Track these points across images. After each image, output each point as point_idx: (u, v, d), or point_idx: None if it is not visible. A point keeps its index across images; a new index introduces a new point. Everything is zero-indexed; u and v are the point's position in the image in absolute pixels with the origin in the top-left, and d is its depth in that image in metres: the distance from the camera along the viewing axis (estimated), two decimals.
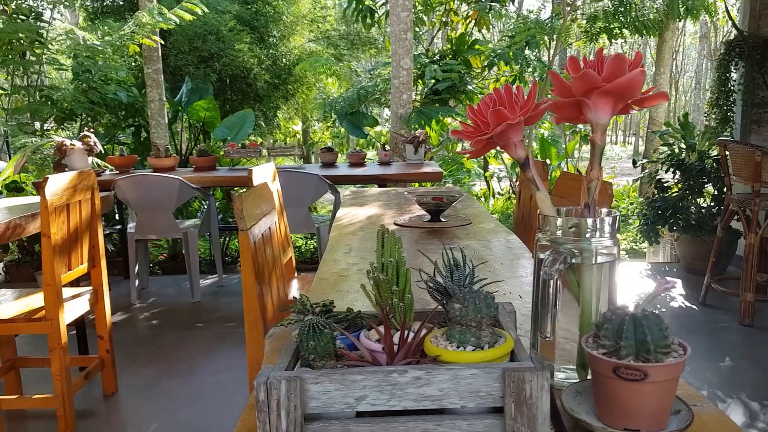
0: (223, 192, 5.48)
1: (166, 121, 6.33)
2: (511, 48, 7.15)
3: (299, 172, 3.83)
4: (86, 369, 2.51)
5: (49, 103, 6.27)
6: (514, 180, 9.98)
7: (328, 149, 4.48)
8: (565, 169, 9.79)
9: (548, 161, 10.02)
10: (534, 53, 7.67)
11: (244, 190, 4.97)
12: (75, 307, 2.42)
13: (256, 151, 4.39)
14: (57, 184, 2.21)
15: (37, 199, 3.10)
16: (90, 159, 4.44)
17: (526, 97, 0.81)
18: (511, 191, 10.24)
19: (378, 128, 10.13)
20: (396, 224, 2.07)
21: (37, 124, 6.18)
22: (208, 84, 7.78)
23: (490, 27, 8.64)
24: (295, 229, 4.17)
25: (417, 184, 5.25)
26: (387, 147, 4.64)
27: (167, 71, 7.67)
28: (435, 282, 0.74)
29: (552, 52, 8.11)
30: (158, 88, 6.09)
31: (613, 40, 7.30)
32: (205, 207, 4.36)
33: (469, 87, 7.31)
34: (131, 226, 4.01)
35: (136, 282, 4.02)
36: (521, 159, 0.84)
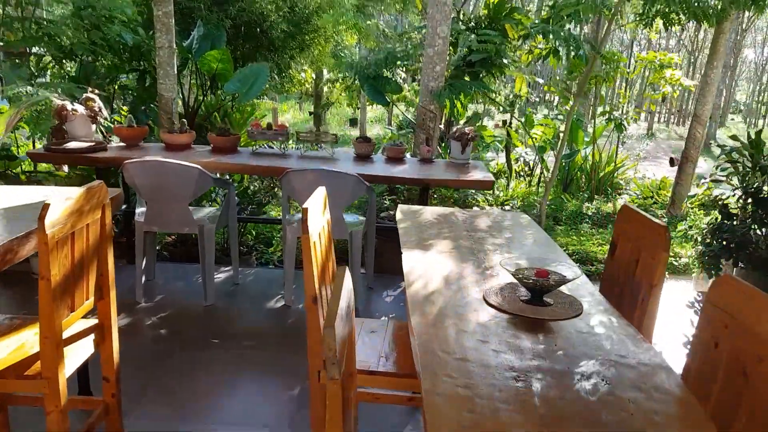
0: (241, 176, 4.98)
1: (175, 71, 5.76)
2: (553, 19, 6.51)
3: (334, 171, 3.36)
4: (88, 419, 2.11)
5: (46, 38, 5.67)
6: (539, 164, 9.48)
7: (365, 139, 3.99)
8: (588, 153, 9.27)
9: (574, 146, 9.52)
10: (574, 28, 7.05)
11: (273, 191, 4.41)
12: (77, 352, 2.00)
13: (283, 134, 3.90)
14: (59, 210, 1.74)
15: (35, 190, 2.63)
16: (93, 126, 3.95)
17: None
18: (529, 171, 9.75)
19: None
20: (487, 302, 1.64)
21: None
22: (221, 30, 7.16)
23: None
24: None
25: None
26: (430, 142, 4.15)
27: (177, 12, 7.02)
28: None
29: (603, 30, 7.49)
30: (168, 34, 5.48)
31: (669, 27, 6.68)
32: (223, 196, 3.90)
33: (504, 60, 6.72)
34: (139, 213, 3.55)
35: (143, 278, 3.59)
36: None
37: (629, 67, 11.46)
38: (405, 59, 7.16)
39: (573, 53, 6.56)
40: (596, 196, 8.62)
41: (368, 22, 10.12)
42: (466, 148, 3.92)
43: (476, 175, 3.68)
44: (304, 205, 1.82)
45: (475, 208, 6.49)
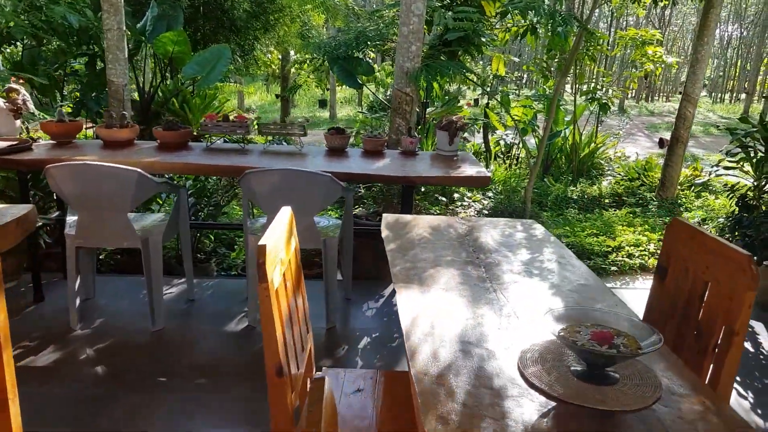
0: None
1: (126, 56, 5.16)
2: None
3: (303, 172, 2.82)
4: None
5: None
6: (519, 146, 9.04)
7: (338, 130, 3.44)
8: (567, 133, 8.88)
9: (554, 126, 9.11)
10: (553, 4, 6.61)
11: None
12: None
13: (242, 126, 3.33)
14: None
15: None
16: (18, 123, 3.34)
17: None
18: (505, 153, 9.30)
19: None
20: (528, 381, 1.15)
21: None
22: (177, 10, 6.55)
23: None
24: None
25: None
26: (414, 133, 3.63)
27: None
28: None
29: (586, 6, 7.02)
30: (117, 15, 4.89)
31: (659, 2, 6.26)
32: (173, 199, 3.34)
33: (483, 38, 6.26)
34: (71, 223, 2.97)
35: (77, 301, 3.01)
36: None
37: (608, 45, 11.07)
38: (377, 39, 6.62)
39: (558, 30, 6.10)
40: (580, 179, 8.25)
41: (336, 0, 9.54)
42: (455, 138, 3.42)
43: (468, 170, 3.18)
44: (261, 242, 1.29)
45: (469, 214, 6.03)
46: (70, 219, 3.01)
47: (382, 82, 11.42)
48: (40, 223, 3.31)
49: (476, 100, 17.66)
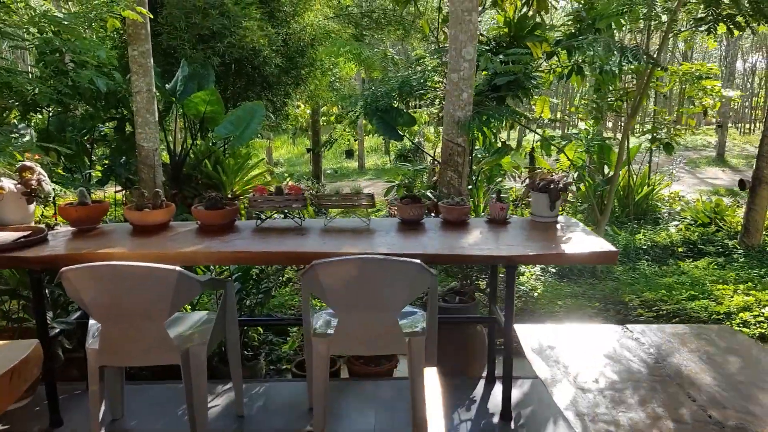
0: None
1: (156, 118, 4.74)
2: (584, 32, 5.60)
3: (386, 260, 2.20)
4: None
5: (6, 90, 4.66)
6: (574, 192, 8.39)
7: (411, 198, 2.83)
8: (620, 176, 8.22)
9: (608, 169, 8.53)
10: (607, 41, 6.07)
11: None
12: None
13: (298, 201, 2.74)
14: None
15: None
16: (31, 207, 2.81)
17: None
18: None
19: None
20: None
21: None
22: (208, 69, 6.16)
23: (549, 8, 6.97)
24: (374, 349, 2.59)
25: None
26: (503, 196, 3.01)
27: (158, 51, 6.04)
28: None
29: (647, 38, 6.44)
30: (146, 76, 4.51)
31: (736, 32, 5.63)
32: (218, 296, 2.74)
33: (532, 81, 5.73)
34: (93, 331, 2.37)
35: (102, 430, 2.38)
36: None
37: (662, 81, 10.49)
38: (420, 88, 6.16)
39: (625, 66, 5.58)
40: (641, 225, 7.58)
41: (373, 50, 9.21)
42: (557, 202, 2.78)
43: (581, 241, 2.52)
44: None
45: (535, 274, 5.35)
46: (93, 325, 2.41)
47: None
48: (58, 329, 2.73)
49: (504, 143, 17.06)
